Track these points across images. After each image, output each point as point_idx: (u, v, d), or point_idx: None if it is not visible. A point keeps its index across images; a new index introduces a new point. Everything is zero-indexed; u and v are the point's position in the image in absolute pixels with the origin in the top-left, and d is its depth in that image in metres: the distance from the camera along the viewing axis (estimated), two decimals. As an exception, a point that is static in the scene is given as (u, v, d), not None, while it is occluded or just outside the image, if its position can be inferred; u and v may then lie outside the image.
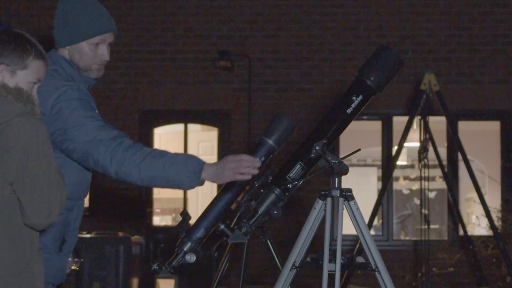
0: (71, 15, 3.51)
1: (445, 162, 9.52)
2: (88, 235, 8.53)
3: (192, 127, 11.36)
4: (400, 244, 10.72)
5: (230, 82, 10.49)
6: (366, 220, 4.50)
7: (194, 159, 3.29)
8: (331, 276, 3.65)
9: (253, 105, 10.40)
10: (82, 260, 3.63)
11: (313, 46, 10.49)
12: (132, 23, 10.56)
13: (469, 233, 8.25)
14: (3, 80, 3.00)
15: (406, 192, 13.51)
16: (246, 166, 3.26)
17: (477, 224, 10.30)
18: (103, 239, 8.38)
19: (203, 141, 12.23)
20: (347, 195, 3.78)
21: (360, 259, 3.84)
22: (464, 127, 10.36)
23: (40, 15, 10.46)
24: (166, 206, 12.53)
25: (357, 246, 6.98)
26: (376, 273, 3.77)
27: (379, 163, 11.21)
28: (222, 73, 10.47)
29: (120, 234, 8.66)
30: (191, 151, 11.24)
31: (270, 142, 3.96)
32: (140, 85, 10.51)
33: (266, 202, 3.88)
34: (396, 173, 12.15)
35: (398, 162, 8.09)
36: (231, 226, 3.97)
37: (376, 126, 10.60)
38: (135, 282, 8.68)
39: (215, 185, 11.02)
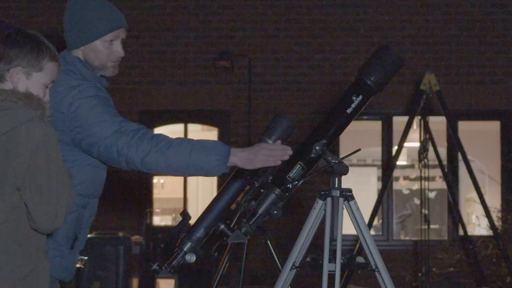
0: (82, 15, 3.50)
1: (445, 162, 9.51)
2: (88, 235, 8.52)
3: (192, 127, 11.36)
4: (400, 244, 10.71)
5: (230, 82, 10.49)
6: (366, 220, 4.50)
7: (220, 144, 3.28)
8: (331, 276, 3.65)
9: (253, 105, 10.40)
10: (86, 258, 3.63)
11: (313, 46, 10.49)
12: (132, 23, 10.55)
13: (469, 233, 8.25)
14: (18, 82, 3.00)
15: (406, 192, 13.50)
16: (280, 154, 3.28)
17: (477, 224, 10.30)
18: (103, 239, 8.38)
19: (203, 141, 12.22)
20: (347, 195, 3.78)
21: (360, 259, 3.84)
22: (464, 127, 10.36)
23: (41, 15, 10.46)
24: (166, 206, 12.54)
25: (357, 246, 6.99)
26: (376, 273, 3.77)
27: (379, 163, 11.21)
28: (222, 73, 10.47)
29: (120, 234, 8.66)
30: (191, 151, 11.23)
31: (270, 142, 3.96)
32: (140, 85, 10.51)
33: (266, 202, 3.88)
34: (396, 173, 12.15)
35: (398, 162, 8.09)
36: (231, 226, 3.97)
37: (376, 126, 10.60)
38: (135, 282, 8.69)
39: (215, 185, 11.03)
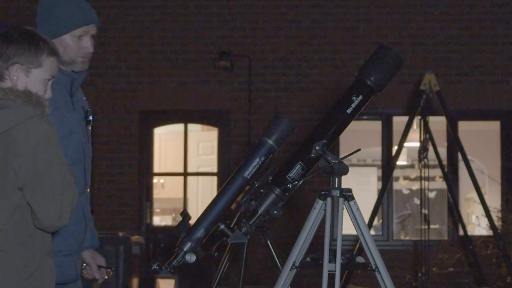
0: (53, 9, 3.55)
1: (445, 162, 9.51)
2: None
3: (192, 127, 11.36)
4: (400, 244, 10.72)
5: (230, 82, 10.49)
6: (366, 220, 4.50)
7: None
8: (331, 276, 3.65)
9: (253, 105, 10.40)
10: (112, 269, 3.72)
11: (313, 46, 10.49)
12: (132, 23, 10.56)
13: (469, 233, 8.25)
14: (18, 80, 3.00)
15: (406, 192, 13.51)
16: None
17: (477, 224, 10.30)
18: (103, 239, 8.35)
19: (203, 141, 12.24)
20: (347, 195, 3.78)
21: (360, 259, 3.84)
22: (464, 127, 10.36)
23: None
24: (166, 206, 12.53)
25: (357, 246, 6.99)
26: (376, 273, 3.77)
27: (379, 163, 11.21)
28: (222, 73, 10.46)
29: (120, 234, 8.66)
30: (191, 151, 11.25)
31: (270, 142, 3.96)
32: (140, 85, 10.51)
33: (266, 202, 3.87)
34: (396, 173, 12.15)
35: (398, 162, 8.09)
36: (231, 226, 3.97)
37: (376, 126, 10.60)
38: (135, 282, 8.69)
39: (215, 185, 11.03)
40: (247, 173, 3.94)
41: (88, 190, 3.74)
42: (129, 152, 10.38)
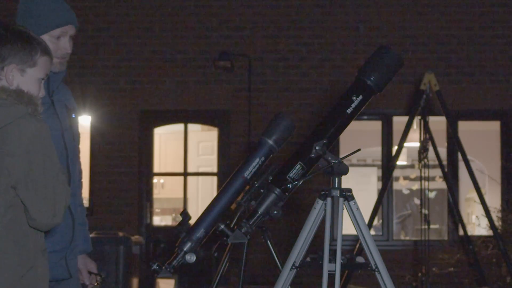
0: (32, 9, 3.58)
1: (445, 162, 9.52)
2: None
3: (192, 127, 11.36)
4: (400, 244, 10.72)
5: (230, 82, 10.49)
6: (366, 220, 4.50)
7: None
8: (331, 276, 3.65)
9: (253, 105, 10.40)
10: (103, 276, 3.70)
11: (313, 46, 10.49)
12: (132, 23, 10.56)
13: (469, 233, 8.25)
14: (13, 80, 3.00)
15: (406, 192, 13.52)
16: None
17: (477, 224, 10.30)
18: (103, 239, 8.38)
19: (203, 141, 12.25)
20: (347, 195, 3.77)
21: (360, 259, 3.84)
22: (464, 127, 10.36)
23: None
24: (166, 206, 12.54)
25: (357, 246, 6.99)
26: (376, 273, 3.77)
27: (379, 163, 11.21)
28: (222, 73, 10.46)
29: (120, 234, 8.66)
30: (191, 151, 11.26)
31: (270, 142, 3.96)
32: (140, 85, 10.51)
33: (266, 202, 3.87)
34: (396, 173, 12.16)
35: (398, 162, 8.09)
36: (231, 226, 3.97)
37: (376, 126, 10.60)
38: (135, 282, 8.69)
39: (215, 185, 11.03)
40: (247, 173, 3.94)
41: (81, 190, 3.77)
42: (129, 152, 10.38)
